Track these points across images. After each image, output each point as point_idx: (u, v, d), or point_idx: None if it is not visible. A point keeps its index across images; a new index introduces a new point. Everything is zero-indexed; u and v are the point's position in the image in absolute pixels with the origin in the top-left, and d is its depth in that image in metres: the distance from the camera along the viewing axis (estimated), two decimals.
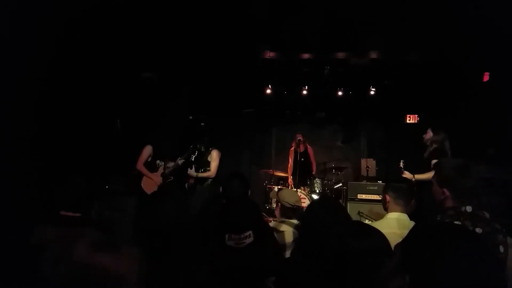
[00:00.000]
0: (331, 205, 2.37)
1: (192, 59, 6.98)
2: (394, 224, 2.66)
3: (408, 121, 8.31)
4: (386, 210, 2.88)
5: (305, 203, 5.84)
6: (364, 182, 7.16)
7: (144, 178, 5.64)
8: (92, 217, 2.71)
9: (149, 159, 5.73)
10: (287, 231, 2.98)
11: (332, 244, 1.57)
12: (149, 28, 5.75)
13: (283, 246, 2.85)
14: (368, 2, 5.11)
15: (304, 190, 6.81)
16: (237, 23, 5.76)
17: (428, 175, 4.42)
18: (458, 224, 1.96)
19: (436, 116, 7.12)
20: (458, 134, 5.41)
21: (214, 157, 5.80)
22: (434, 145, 5.15)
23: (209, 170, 5.76)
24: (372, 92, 8.02)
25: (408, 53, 6.82)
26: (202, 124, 7.05)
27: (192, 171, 5.81)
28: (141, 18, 5.47)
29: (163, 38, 6.11)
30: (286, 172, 7.51)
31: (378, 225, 2.65)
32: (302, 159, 7.11)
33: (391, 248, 1.47)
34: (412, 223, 2.70)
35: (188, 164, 5.83)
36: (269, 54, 7.13)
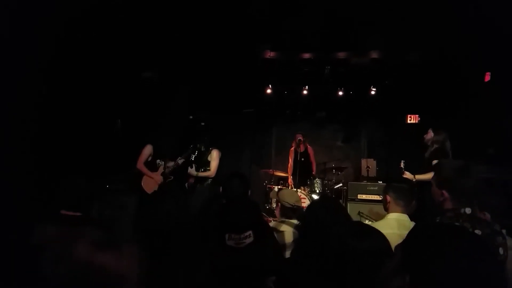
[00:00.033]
0: (331, 205, 2.37)
1: (192, 59, 6.98)
2: (394, 225, 2.66)
3: (409, 121, 8.30)
4: (387, 210, 2.88)
5: (305, 203, 5.84)
6: (364, 182, 7.15)
7: (144, 177, 5.65)
8: (93, 216, 2.72)
9: (149, 159, 5.73)
10: (287, 231, 2.98)
11: (332, 244, 1.57)
12: (149, 28, 5.75)
13: (283, 246, 2.85)
14: (368, 2, 5.11)
15: (304, 190, 6.80)
16: (237, 23, 5.76)
17: (429, 176, 4.41)
18: (458, 225, 1.95)
19: (437, 116, 7.12)
20: (458, 134, 5.41)
21: (214, 157, 5.80)
22: (435, 145, 5.15)
23: (209, 169, 5.77)
24: (372, 92, 8.02)
25: (409, 53, 6.82)
26: (202, 123, 7.05)
27: (192, 170, 5.81)
28: (141, 18, 5.47)
29: (163, 38, 6.12)
30: (286, 172, 7.51)
31: (379, 225, 2.65)
32: (302, 159, 7.11)
33: (391, 249, 1.47)
34: (412, 224, 2.70)
35: (188, 163, 5.84)
36: (270, 54, 7.13)
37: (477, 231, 1.97)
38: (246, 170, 8.50)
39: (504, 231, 2.28)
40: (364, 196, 6.68)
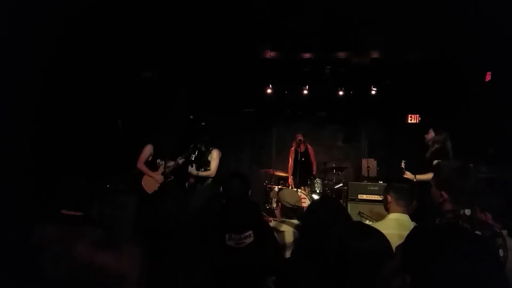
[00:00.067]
0: (331, 205, 2.37)
1: (192, 59, 6.98)
2: (395, 225, 2.66)
3: (409, 121, 8.30)
4: (387, 210, 2.88)
5: (306, 203, 5.84)
6: (364, 182, 7.14)
7: (145, 177, 5.65)
8: (93, 216, 2.72)
9: (150, 158, 5.74)
10: (288, 231, 2.98)
11: (333, 244, 1.57)
12: (149, 28, 5.75)
13: (283, 246, 2.85)
14: (368, 2, 5.11)
15: (305, 190, 6.80)
16: (237, 23, 5.76)
17: (430, 176, 4.41)
18: (458, 225, 1.95)
19: (437, 116, 7.12)
20: (458, 134, 5.41)
21: (214, 157, 5.81)
22: (436, 145, 5.15)
23: (209, 169, 5.77)
24: (373, 92, 8.02)
25: (409, 53, 6.82)
26: (203, 123, 7.05)
27: (192, 169, 5.81)
28: (141, 18, 5.47)
29: (163, 38, 6.12)
30: (287, 172, 7.50)
31: (379, 225, 2.65)
32: (303, 159, 7.11)
33: (391, 249, 1.47)
34: (413, 224, 2.70)
35: (188, 163, 5.84)
36: (270, 54, 7.13)
37: (477, 233, 1.96)
38: (246, 170, 8.50)
39: (505, 231, 2.28)
40: (364, 196, 6.67)
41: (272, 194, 6.84)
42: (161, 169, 5.74)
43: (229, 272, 1.86)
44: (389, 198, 2.84)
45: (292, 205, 3.17)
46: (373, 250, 1.48)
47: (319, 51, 7.08)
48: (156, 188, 5.65)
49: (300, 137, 7.11)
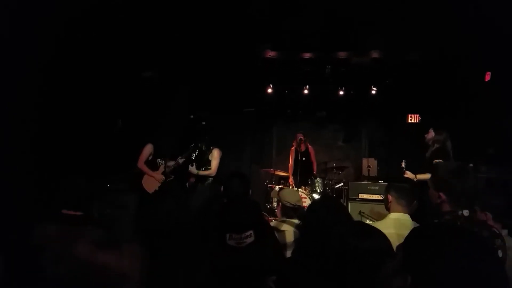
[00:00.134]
0: (332, 205, 2.37)
1: (193, 59, 6.98)
2: (395, 224, 2.66)
3: (409, 121, 8.30)
4: (388, 210, 2.88)
5: (306, 202, 5.84)
6: (365, 182, 7.14)
7: (145, 176, 5.66)
8: (93, 215, 2.71)
9: (150, 158, 5.75)
10: (288, 230, 2.98)
11: (333, 244, 1.57)
12: (149, 28, 5.75)
13: (284, 246, 2.85)
14: (368, 2, 5.11)
15: (305, 189, 6.80)
16: (237, 23, 5.76)
17: (430, 175, 4.42)
18: (458, 225, 1.95)
19: (437, 115, 7.12)
20: (458, 134, 5.41)
21: (215, 156, 5.81)
22: (436, 145, 5.15)
23: (210, 168, 5.77)
24: (373, 92, 8.03)
25: (409, 53, 6.82)
26: (203, 123, 7.05)
27: (193, 169, 5.82)
28: (141, 18, 5.47)
29: (163, 37, 6.12)
30: (287, 171, 7.51)
31: (380, 225, 2.65)
32: (303, 159, 7.12)
33: (392, 249, 1.47)
34: (413, 224, 2.70)
35: (189, 163, 5.84)
36: (270, 54, 7.13)
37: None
38: (246, 169, 8.51)
39: (505, 231, 2.27)
40: (365, 196, 6.67)
41: (272, 194, 6.85)
42: (162, 168, 5.74)
43: (229, 272, 1.86)
44: (390, 197, 2.84)
45: (292, 204, 3.17)
46: (373, 249, 1.48)
47: (319, 51, 7.08)
48: (157, 188, 5.66)
49: (300, 136, 7.12)
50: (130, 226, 4.26)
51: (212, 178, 5.78)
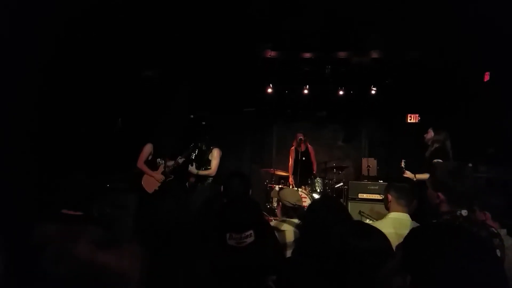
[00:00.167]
0: (332, 205, 2.37)
1: (193, 58, 6.98)
2: (395, 224, 2.66)
3: (409, 121, 8.31)
4: (388, 209, 2.88)
5: (306, 202, 5.85)
6: (365, 181, 7.14)
7: (145, 176, 5.65)
8: (94, 215, 2.72)
9: (150, 157, 5.74)
10: (288, 230, 2.98)
11: (333, 243, 1.57)
12: (150, 28, 5.76)
13: (284, 246, 2.85)
14: (368, 2, 5.11)
15: (305, 189, 6.81)
16: (237, 23, 5.76)
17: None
18: (457, 224, 1.95)
19: (437, 115, 7.13)
20: (458, 134, 5.41)
21: (215, 156, 5.82)
22: (436, 145, 5.15)
23: (210, 168, 5.78)
24: (373, 92, 8.03)
25: (409, 53, 6.82)
26: (203, 122, 7.06)
27: (192, 168, 5.82)
28: (142, 17, 5.47)
29: (163, 37, 6.12)
30: (287, 171, 7.52)
31: (379, 224, 2.65)
32: (303, 158, 7.13)
33: (392, 248, 1.47)
34: (413, 223, 2.70)
35: (188, 162, 5.84)
36: (270, 53, 7.13)
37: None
38: (246, 169, 8.52)
39: (504, 231, 2.28)
40: (364, 195, 6.67)
41: (272, 194, 6.85)
42: (161, 168, 5.74)
43: (229, 272, 1.86)
44: (389, 197, 2.85)
45: (292, 204, 3.17)
46: (373, 249, 1.48)
47: (319, 51, 7.08)
48: (156, 188, 5.66)
49: (300, 136, 7.13)
50: (130, 226, 4.26)
51: (212, 178, 5.78)
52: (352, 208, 6.43)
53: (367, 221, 5.25)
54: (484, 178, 5.13)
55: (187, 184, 6.02)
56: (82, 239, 1.23)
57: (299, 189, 6.60)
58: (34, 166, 4.57)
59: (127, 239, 1.32)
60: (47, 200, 3.01)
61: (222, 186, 3.21)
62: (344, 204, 6.51)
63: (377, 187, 6.58)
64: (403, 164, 5.19)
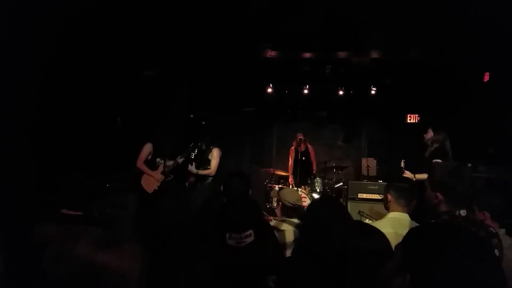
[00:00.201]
0: (332, 204, 2.37)
1: (193, 58, 6.98)
2: (394, 224, 2.66)
3: (408, 121, 8.32)
4: (387, 209, 2.88)
5: (306, 202, 5.85)
6: (364, 181, 7.14)
7: (144, 176, 5.65)
8: (93, 215, 2.72)
9: (149, 157, 5.74)
10: (288, 230, 2.99)
11: (333, 243, 1.57)
12: (150, 27, 5.76)
13: (284, 245, 2.85)
14: (368, 2, 5.11)
15: (305, 189, 6.81)
16: (237, 23, 5.77)
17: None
18: (456, 224, 1.95)
19: (436, 115, 7.13)
20: (458, 134, 5.41)
21: (214, 155, 5.82)
22: (435, 145, 5.15)
23: (209, 168, 5.78)
24: (373, 92, 8.04)
25: (409, 53, 6.82)
26: (203, 122, 7.06)
27: (192, 168, 5.82)
28: (141, 17, 5.47)
29: (164, 37, 6.12)
30: (287, 171, 7.52)
31: (379, 224, 2.65)
32: (303, 158, 7.13)
33: (391, 248, 1.47)
34: (412, 223, 2.70)
35: (188, 162, 5.84)
36: (270, 53, 7.13)
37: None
38: (246, 169, 8.53)
39: (502, 230, 2.28)
40: (364, 195, 6.67)
41: (272, 193, 6.85)
42: (161, 168, 5.74)
43: (229, 272, 1.86)
44: (389, 197, 2.85)
45: (292, 204, 3.18)
46: (373, 249, 1.48)
47: (319, 51, 7.09)
48: (156, 187, 5.65)
49: (300, 136, 7.13)
50: (130, 226, 4.26)
51: (211, 178, 5.78)
52: (352, 208, 6.42)
53: (367, 221, 5.25)
54: (484, 178, 5.13)
55: (186, 183, 6.01)
56: (82, 239, 1.23)
57: (299, 189, 6.60)
58: (34, 166, 4.57)
59: (127, 239, 1.32)
60: (47, 200, 3.02)
61: (222, 186, 3.22)
62: (344, 204, 6.51)
63: (376, 187, 6.58)
64: (402, 164, 5.20)
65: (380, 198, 5.74)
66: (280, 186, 7.09)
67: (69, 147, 5.21)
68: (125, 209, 4.82)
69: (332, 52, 7.09)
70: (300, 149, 7.14)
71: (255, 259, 1.88)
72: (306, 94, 8.17)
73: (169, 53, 6.69)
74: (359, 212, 6.12)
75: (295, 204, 3.18)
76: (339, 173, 7.69)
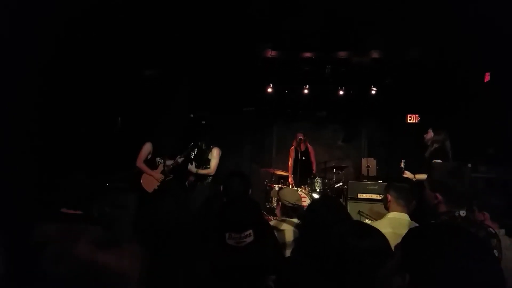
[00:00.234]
0: (332, 204, 2.37)
1: (193, 58, 6.98)
2: (394, 224, 2.66)
3: (409, 121, 8.32)
4: (387, 209, 2.88)
5: (306, 202, 5.85)
6: (364, 181, 7.14)
7: (144, 175, 5.63)
8: (93, 214, 2.72)
9: (149, 157, 5.72)
10: (288, 230, 2.99)
11: (333, 243, 1.57)
12: (150, 27, 5.76)
13: (283, 245, 2.85)
14: (368, 2, 5.11)
15: (305, 189, 6.81)
16: (237, 23, 5.77)
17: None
18: (456, 225, 1.95)
19: (437, 115, 7.13)
20: (458, 134, 5.41)
21: (214, 155, 5.82)
22: (435, 145, 5.15)
23: (209, 167, 5.78)
24: (373, 92, 8.03)
25: (409, 53, 6.82)
26: (203, 122, 7.06)
27: (192, 167, 5.82)
28: (141, 17, 5.47)
29: (164, 37, 6.12)
30: (287, 171, 7.52)
31: (379, 224, 2.65)
32: (303, 158, 7.13)
33: (391, 248, 1.47)
34: (412, 223, 2.70)
35: (188, 161, 5.84)
36: (271, 53, 7.13)
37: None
38: (246, 169, 8.52)
39: (502, 231, 2.28)
40: (364, 195, 6.67)
41: (272, 193, 6.85)
42: (161, 167, 5.73)
43: (229, 271, 1.86)
44: (389, 197, 2.85)
45: (292, 204, 3.18)
46: (373, 249, 1.48)
47: (319, 51, 7.09)
48: (156, 187, 5.65)
49: (300, 136, 7.13)
50: (130, 226, 4.26)
51: (211, 177, 5.78)
52: (352, 208, 6.43)
53: (367, 221, 5.26)
54: (484, 178, 5.13)
55: (186, 183, 6.01)
56: (82, 239, 1.23)
57: (299, 188, 6.60)
58: (34, 166, 4.57)
59: (127, 239, 1.33)
60: (47, 199, 3.02)
61: (221, 186, 3.22)
62: (344, 204, 6.51)
63: (376, 187, 6.58)
64: (402, 164, 5.20)
65: (380, 198, 5.74)
66: (280, 186, 7.09)
67: (69, 147, 5.21)
68: (125, 208, 4.82)
69: (332, 52, 7.08)
70: (300, 149, 7.13)
71: (255, 259, 1.88)
72: (306, 94, 8.17)
73: (169, 53, 6.69)
74: (359, 212, 6.13)
75: (295, 204, 3.18)
76: (339, 173, 7.69)
